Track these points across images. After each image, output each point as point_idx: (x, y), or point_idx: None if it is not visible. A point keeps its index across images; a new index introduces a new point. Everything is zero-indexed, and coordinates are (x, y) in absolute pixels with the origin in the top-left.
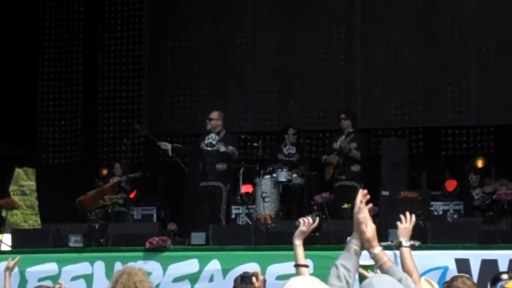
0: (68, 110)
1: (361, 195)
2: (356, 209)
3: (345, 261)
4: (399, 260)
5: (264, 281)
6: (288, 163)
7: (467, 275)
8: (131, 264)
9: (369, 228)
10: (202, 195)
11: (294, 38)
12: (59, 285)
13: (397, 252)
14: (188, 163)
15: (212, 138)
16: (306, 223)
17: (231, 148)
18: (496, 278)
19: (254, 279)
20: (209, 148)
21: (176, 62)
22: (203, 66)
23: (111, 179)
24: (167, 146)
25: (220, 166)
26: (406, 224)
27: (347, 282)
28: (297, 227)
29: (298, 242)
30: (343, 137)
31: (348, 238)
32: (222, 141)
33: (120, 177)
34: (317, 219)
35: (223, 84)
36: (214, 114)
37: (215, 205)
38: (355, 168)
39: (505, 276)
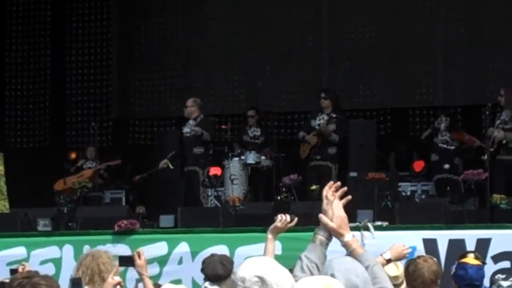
0: (36, 94)
1: (329, 188)
2: (324, 202)
3: (309, 253)
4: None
5: (232, 261)
6: (253, 145)
7: (432, 257)
8: (99, 247)
9: (335, 219)
10: (183, 179)
11: (262, 20)
12: (23, 266)
13: (364, 232)
14: (157, 148)
15: (190, 124)
16: (283, 220)
17: (206, 133)
18: (463, 257)
19: (136, 256)
20: (188, 134)
21: (144, 45)
22: (171, 49)
23: (84, 163)
24: (165, 163)
25: (197, 150)
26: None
27: (311, 273)
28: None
29: (270, 236)
30: (324, 116)
31: (316, 229)
32: (198, 126)
33: (93, 162)
34: (295, 219)
35: (191, 67)
36: (189, 102)
37: (193, 188)
38: (332, 150)
39: (471, 255)
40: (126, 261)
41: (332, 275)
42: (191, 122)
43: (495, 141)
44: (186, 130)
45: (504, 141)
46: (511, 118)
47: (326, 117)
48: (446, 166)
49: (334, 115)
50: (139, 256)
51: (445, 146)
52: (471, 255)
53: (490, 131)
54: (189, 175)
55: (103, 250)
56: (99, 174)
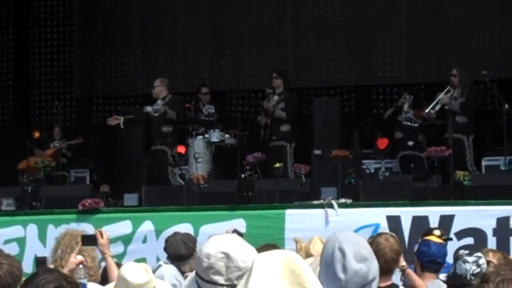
0: None
1: None
2: None
3: None
4: (330, 219)
5: (195, 241)
6: (208, 122)
7: (392, 233)
8: (63, 226)
9: None
10: (151, 158)
11: None
12: None
13: (328, 210)
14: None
15: (158, 103)
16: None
17: (171, 112)
18: (428, 235)
19: (98, 235)
20: (156, 114)
21: (107, 24)
22: (135, 27)
23: (51, 143)
24: (118, 119)
25: (166, 129)
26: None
27: None
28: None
29: None
30: (275, 97)
31: None
32: (166, 105)
33: (60, 142)
34: None
35: (155, 45)
36: (156, 82)
37: (162, 167)
38: (284, 128)
39: (436, 232)
40: (89, 240)
41: (341, 248)
42: (159, 102)
43: (439, 103)
44: (148, 109)
45: (446, 106)
46: (461, 94)
47: (277, 97)
48: (410, 143)
49: (282, 90)
50: (101, 235)
51: (408, 123)
52: (436, 232)
53: (439, 96)
54: (156, 154)
55: (80, 230)
56: (62, 153)
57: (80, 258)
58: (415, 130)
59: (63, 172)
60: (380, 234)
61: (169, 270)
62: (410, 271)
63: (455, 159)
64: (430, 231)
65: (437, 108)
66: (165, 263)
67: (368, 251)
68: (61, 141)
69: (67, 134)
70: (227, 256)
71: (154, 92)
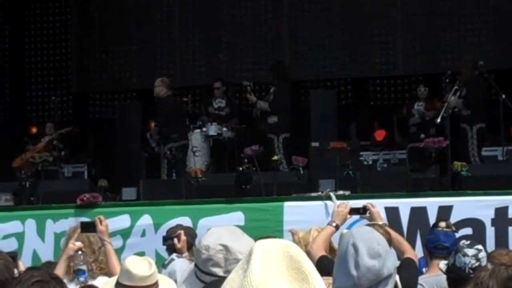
0: None
1: None
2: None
3: None
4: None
5: (195, 235)
6: (218, 116)
7: (380, 224)
8: (61, 221)
9: None
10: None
11: None
12: None
13: (327, 202)
14: (118, 121)
15: None
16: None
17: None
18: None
19: (97, 222)
20: None
21: (103, 19)
22: (131, 22)
23: (43, 138)
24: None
25: None
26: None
27: None
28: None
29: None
30: (272, 88)
31: None
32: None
33: (51, 136)
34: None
35: (151, 39)
36: (157, 82)
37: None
38: (271, 120)
39: (442, 224)
40: (88, 227)
41: (354, 244)
42: None
43: (450, 107)
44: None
45: (456, 109)
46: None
47: (273, 89)
48: (422, 136)
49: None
50: (100, 222)
51: (420, 118)
52: (442, 224)
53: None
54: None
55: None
56: (53, 145)
57: (78, 244)
58: (426, 123)
59: (56, 167)
60: (368, 226)
61: (181, 265)
62: (369, 206)
63: (458, 150)
64: (437, 223)
65: (449, 112)
66: (178, 257)
67: (382, 247)
68: (52, 135)
69: (63, 127)
70: (226, 248)
71: (155, 92)
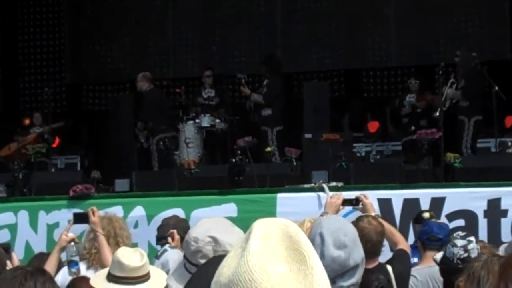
0: None
1: None
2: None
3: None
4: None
5: (188, 227)
6: (207, 106)
7: (373, 215)
8: (54, 212)
9: None
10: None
11: None
12: None
13: (320, 193)
14: (111, 112)
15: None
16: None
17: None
18: (418, 217)
19: (90, 214)
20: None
21: (96, 10)
22: (124, 14)
23: (31, 129)
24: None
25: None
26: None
27: None
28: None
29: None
30: (265, 81)
31: None
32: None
33: (41, 128)
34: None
35: (144, 31)
36: (138, 77)
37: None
38: (265, 112)
39: (426, 215)
40: (81, 219)
41: (321, 234)
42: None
43: (447, 99)
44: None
45: (453, 100)
46: (461, 77)
47: (265, 81)
48: (413, 128)
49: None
50: (93, 213)
51: (411, 109)
52: (426, 214)
53: (445, 90)
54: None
55: (119, 216)
56: (43, 138)
57: (71, 235)
58: (418, 115)
59: (44, 159)
60: (361, 218)
61: (174, 255)
62: (362, 197)
63: (451, 141)
64: (420, 214)
65: (446, 105)
66: (171, 247)
67: (349, 238)
68: (41, 127)
69: (55, 120)
70: (214, 240)
71: (138, 86)
